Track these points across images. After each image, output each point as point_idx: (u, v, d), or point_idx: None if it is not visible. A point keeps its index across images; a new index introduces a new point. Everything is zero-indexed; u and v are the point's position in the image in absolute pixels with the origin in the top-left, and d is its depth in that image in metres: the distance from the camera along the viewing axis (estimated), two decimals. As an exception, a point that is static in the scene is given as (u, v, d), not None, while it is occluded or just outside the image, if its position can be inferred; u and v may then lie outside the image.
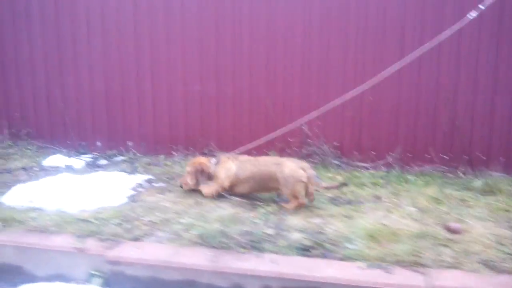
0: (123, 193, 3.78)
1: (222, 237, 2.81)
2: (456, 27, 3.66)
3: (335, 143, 4.97)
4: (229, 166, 3.64)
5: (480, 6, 3.56)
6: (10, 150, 5.36)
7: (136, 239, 2.84)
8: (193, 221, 3.10)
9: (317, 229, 3.01)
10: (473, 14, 3.58)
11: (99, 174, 4.28)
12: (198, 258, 2.56)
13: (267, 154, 5.02)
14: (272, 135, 4.25)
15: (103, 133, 5.60)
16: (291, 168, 3.46)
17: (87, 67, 5.47)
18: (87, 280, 2.66)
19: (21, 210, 3.26)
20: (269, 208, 3.39)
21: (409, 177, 4.36)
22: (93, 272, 2.65)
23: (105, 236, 2.82)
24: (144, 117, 5.45)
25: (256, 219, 3.16)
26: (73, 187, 3.77)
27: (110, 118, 5.55)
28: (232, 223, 3.05)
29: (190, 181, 3.74)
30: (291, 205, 3.43)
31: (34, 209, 3.29)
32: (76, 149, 5.60)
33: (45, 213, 3.21)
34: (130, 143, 5.55)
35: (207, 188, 3.71)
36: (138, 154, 5.42)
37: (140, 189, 3.94)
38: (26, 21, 5.55)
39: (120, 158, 5.28)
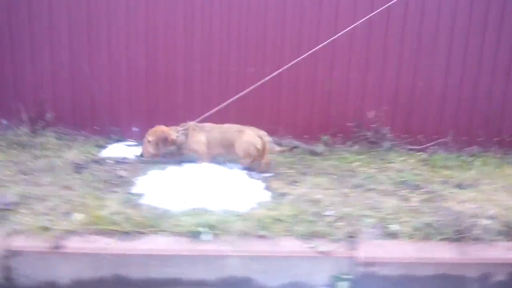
0: (254, 186, 3.51)
1: (430, 229, 2.82)
2: None
3: (387, 127, 5.12)
4: (200, 138, 3.88)
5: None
6: (40, 139, 4.53)
7: (350, 236, 2.71)
8: (377, 214, 3.04)
9: (487, 214, 3.14)
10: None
11: (195, 166, 3.87)
12: (446, 252, 2.56)
13: (319, 139, 5.02)
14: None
15: (141, 117, 5.01)
16: (249, 135, 3.85)
17: (124, 42, 4.80)
18: (330, 285, 2.49)
19: (190, 213, 2.85)
20: (423, 196, 3.45)
21: (468, 158, 4.72)
22: (338, 275, 2.48)
23: (334, 237, 2.64)
24: (192, 100, 5.00)
25: (425, 208, 3.20)
26: (196, 182, 3.38)
27: (150, 100, 4.98)
28: (416, 214, 3.06)
29: (152, 150, 3.84)
30: (246, 161, 3.86)
31: (202, 211, 2.90)
32: (107, 135, 4.95)
33: (222, 215, 2.85)
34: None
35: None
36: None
37: (256, 180, 3.68)
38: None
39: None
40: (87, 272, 2.35)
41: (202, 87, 4.92)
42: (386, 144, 4.95)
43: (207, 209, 2.91)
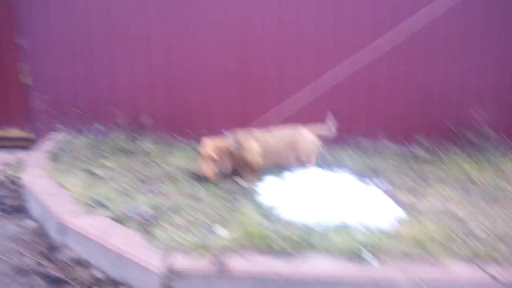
0: (377, 195, 3.31)
1: None
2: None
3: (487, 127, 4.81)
4: (253, 146, 3.49)
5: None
6: (139, 145, 4.48)
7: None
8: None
9: None
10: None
11: (308, 172, 3.69)
12: None
13: (415, 140, 4.76)
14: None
15: (234, 120, 4.88)
16: (311, 135, 3.69)
17: (217, 45, 4.69)
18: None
19: (333, 229, 2.69)
20: None
21: None
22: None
23: (506, 262, 2.41)
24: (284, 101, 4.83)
25: None
26: (319, 191, 3.21)
27: (243, 103, 4.84)
28: None
29: (218, 169, 3.41)
30: (312, 162, 3.65)
31: (343, 226, 2.73)
32: (198, 138, 4.84)
33: (369, 233, 2.68)
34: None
35: (245, 176, 3.53)
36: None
37: (374, 187, 3.47)
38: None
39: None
40: (249, 295, 2.21)
41: (296, 88, 4.74)
42: (489, 145, 4.64)
43: (346, 224, 2.74)
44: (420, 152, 4.56)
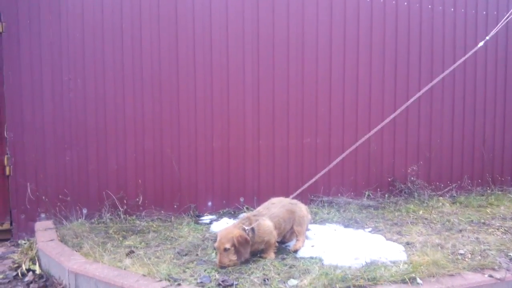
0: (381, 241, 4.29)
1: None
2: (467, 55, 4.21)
3: (412, 178, 6.31)
4: (268, 224, 3.66)
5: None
6: (151, 223, 4.84)
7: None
8: (491, 247, 3.99)
9: None
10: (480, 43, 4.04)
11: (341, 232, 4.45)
12: None
13: (363, 194, 6.00)
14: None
15: (216, 193, 5.58)
16: (305, 208, 4.04)
17: (202, 126, 5.49)
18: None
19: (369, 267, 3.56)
20: (501, 230, 4.51)
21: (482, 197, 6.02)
22: (511, 295, 3.37)
23: (495, 267, 3.53)
24: (259, 172, 5.68)
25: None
26: (339, 241, 4.05)
27: (224, 176, 5.60)
28: (514, 243, 4.09)
29: (235, 257, 3.44)
30: (300, 244, 3.87)
31: (380, 264, 3.62)
32: (186, 212, 5.43)
33: (404, 264, 3.60)
34: (242, 199, 5.70)
35: (270, 254, 3.73)
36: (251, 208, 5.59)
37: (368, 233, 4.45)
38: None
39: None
40: None
41: (267, 160, 5.65)
42: (419, 193, 6.04)
43: (376, 260, 3.60)
44: (372, 203, 5.72)
